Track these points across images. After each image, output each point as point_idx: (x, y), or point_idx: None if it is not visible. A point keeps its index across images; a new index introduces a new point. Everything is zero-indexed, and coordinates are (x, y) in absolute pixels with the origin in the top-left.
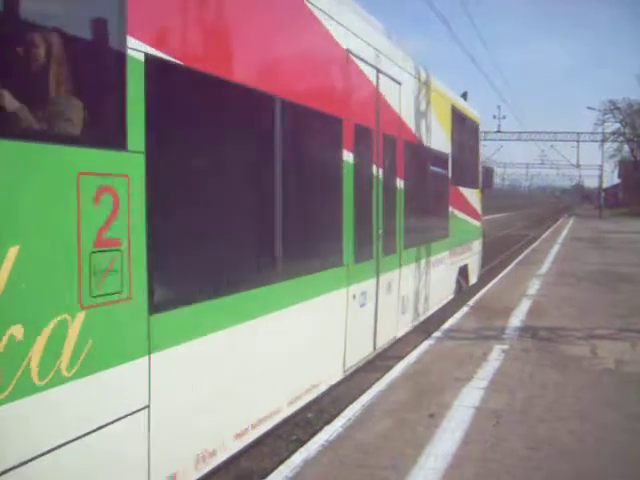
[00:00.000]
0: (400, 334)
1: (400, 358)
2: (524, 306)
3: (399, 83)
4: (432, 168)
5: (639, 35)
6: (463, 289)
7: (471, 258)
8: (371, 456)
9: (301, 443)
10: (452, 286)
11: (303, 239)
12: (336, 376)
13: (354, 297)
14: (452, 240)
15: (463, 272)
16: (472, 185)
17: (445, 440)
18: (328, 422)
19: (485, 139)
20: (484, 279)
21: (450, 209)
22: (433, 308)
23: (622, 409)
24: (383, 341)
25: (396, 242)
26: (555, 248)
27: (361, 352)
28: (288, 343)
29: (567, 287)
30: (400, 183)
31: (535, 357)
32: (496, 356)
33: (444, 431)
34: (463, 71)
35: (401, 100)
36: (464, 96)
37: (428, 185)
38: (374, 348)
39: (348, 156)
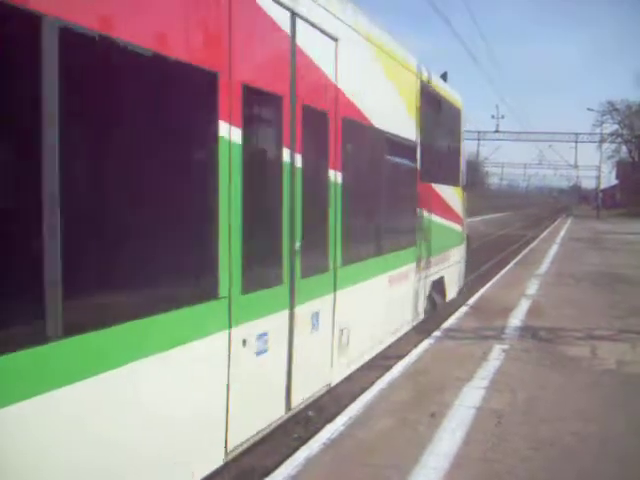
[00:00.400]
0: (338, 379)
1: (400, 357)
2: (523, 306)
3: (334, 39)
4: (390, 158)
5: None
6: (438, 306)
7: (449, 269)
8: (373, 455)
9: (302, 441)
10: (422, 305)
11: (122, 261)
12: (211, 464)
13: (244, 343)
14: (421, 249)
15: (438, 286)
16: (451, 182)
17: (446, 440)
18: (329, 420)
19: (483, 139)
20: (483, 279)
21: (419, 211)
22: (393, 336)
23: (625, 410)
24: (305, 395)
25: (328, 257)
26: (553, 248)
27: (259, 421)
28: (103, 433)
29: (566, 287)
30: (336, 176)
31: (536, 357)
32: (496, 356)
33: (445, 431)
34: (465, 71)
35: (338, 63)
36: (444, 77)
37: (383, 180)
38: (287, 408)
39: (229, 132)
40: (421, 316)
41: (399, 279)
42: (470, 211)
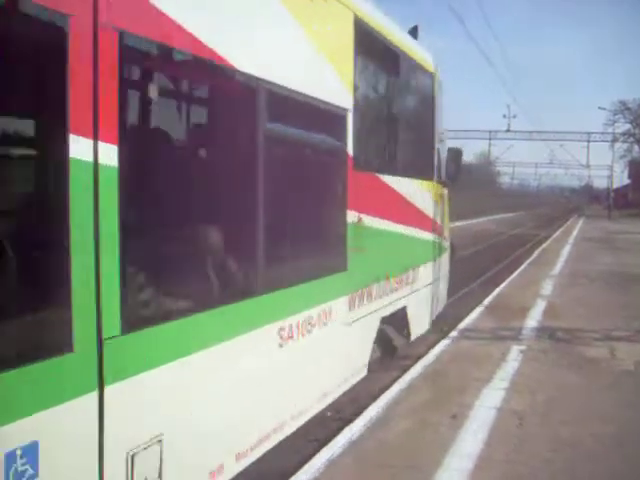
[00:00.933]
0: None
1: (418, 358)
2: (539, 306)
3: None
4: (280, 128)
5: None
6: (396, 348)
7: (416, 295)
8: (395, 456)
9: (321, 443)
10: (361, 358)
11: None
12: None
13: None
14: (359, 274)
15: (396, 321)
16: (418, 174)
17: (469, 441)
18: (348, 421)
19: (495, 138)
20: (497, 278)
21: (352, 216)
22: (295, 421)
23: None
24: None
25: (64, 324)
26: (566, 248)
27: None
28: None
29: (580, 288)
30: (101, 152)
31: (554, 358)
32: (515, 356)
33: (467, 432)
34: (479, 72)
35: None
36: (413, 33)
37: (261, 166)
38: None
39: None
40: (362, 373)
41: (307, 327)
42: (480, 211)
